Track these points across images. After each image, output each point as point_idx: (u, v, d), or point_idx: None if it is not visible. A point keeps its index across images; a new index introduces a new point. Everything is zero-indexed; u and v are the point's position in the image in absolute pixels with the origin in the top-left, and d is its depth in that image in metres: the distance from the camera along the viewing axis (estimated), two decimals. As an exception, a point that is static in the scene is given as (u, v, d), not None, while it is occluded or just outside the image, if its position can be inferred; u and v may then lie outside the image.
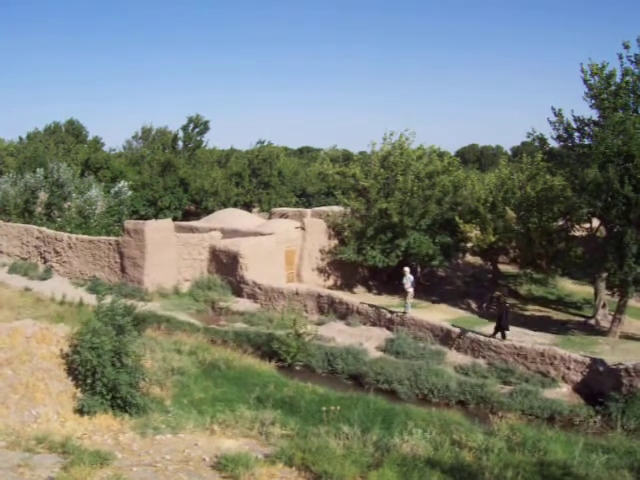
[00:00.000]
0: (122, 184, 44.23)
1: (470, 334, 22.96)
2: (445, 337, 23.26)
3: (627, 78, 25.38)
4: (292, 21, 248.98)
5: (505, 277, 36.69)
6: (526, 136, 29.45)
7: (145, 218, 41.35)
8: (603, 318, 28.81)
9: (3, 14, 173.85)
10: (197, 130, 62.99)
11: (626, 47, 25.40)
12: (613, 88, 25.62)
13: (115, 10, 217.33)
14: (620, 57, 25.50)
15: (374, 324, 25.60)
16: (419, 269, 36.86)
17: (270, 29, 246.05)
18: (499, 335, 22.53)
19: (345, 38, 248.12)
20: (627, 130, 24.29)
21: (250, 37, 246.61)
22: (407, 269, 26.31)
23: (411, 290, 25.51)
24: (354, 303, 26.75)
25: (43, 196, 40.44)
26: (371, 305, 26.43)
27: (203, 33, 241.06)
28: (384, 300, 31.37)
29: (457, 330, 23.55)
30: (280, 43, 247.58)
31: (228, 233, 33.35)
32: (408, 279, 25.58)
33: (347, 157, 68.35)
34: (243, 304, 28.75)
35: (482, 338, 22.26)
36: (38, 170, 41.07)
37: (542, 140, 29.03)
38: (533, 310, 31.77)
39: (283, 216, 39.04)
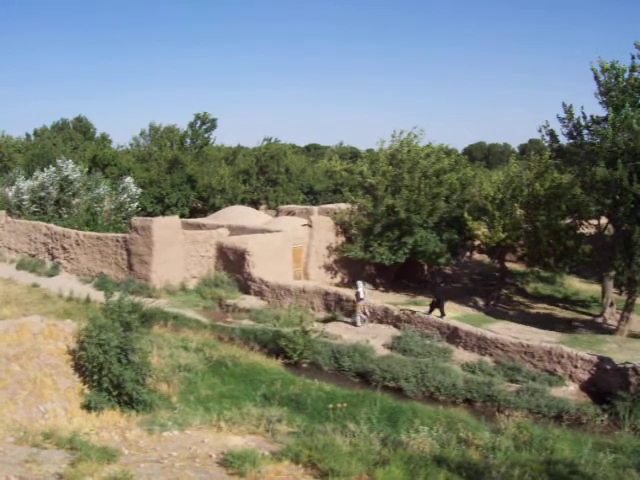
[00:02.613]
0: (127, 179, 44.22)
1: (421, 314, 24.60)
2: (452, 335, 23.24)
3: (635, 74, 25.28)
4: (300, 18, 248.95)
5: (512, 275, 36.61)
6: (537, 130, 29.32)
7: (152, 215, 41.46)
8: (611, 316, 28.73)
9: (10, 11, 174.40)
10: (204, 127, 63.04)
11: (638, 47, 25.30)
12: (622, 85, 25.51)
13: (122, 7, 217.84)
14: (632, 58, 25.44)
15: (381, 322, 25.59)
16: (426, 267, 36.84)
17: (277, 26, 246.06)
18: (433, 311, 24.99)
19: (352, 35, 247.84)
20: (632, 127, 24.17)
21: (257, 34, 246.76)
22: (360, 282, 26.45)
23: (361, 303, 25.48)
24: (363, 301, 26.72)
25: (53, 193, 40.65)
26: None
27: (210, 30, 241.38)
28: (391, 297, 31.37)
29: (403, 313, 25.11)
30: (287, 40, 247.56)
31: (235, 230, 33.38)
32: (360, 293, 25.59)
33: (354, 154, 68.31)
34: (250, 301, 28.76)
35: (487, 334, 22.23)
36: (51, 168, 41.23)
37: (553, 135, 28.91)
38: (540, 308, 31.74)
39: (290, 213, 39.04)
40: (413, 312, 24.89)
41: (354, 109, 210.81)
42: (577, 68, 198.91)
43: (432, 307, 25.22)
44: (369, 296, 27.29)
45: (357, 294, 25.73)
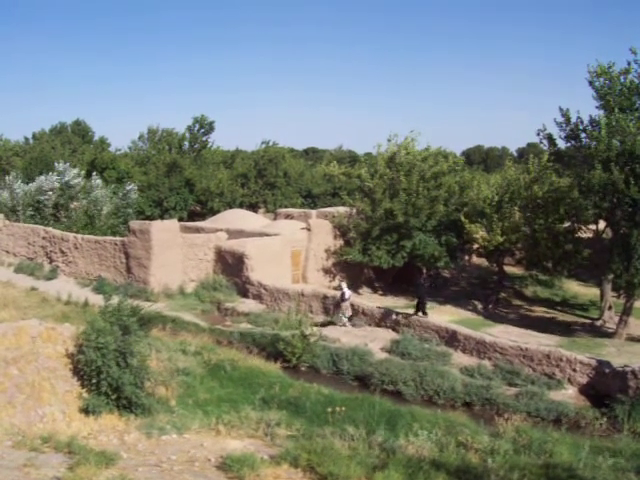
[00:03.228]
0: (131, 186, 44.41)
1: (395, 315, 25.25)
2: (450, 338, 23.23)
3: (630, 77, 25.40)
4: (298, 21, 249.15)
5: (511, 278, 36.62)
6: (536, 133, 29.42)
7: (151, 219, 41.45)
8: (609, 320, 28.74)
9: (10, 15, 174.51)
10: (202, 131, 63.05)
11: (633, 52, 25.40)
12: (618, 88, 25.61)
13: (120, 11, 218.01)
14: (629, 63, 25.54)
15: (379, 325, 25.60)
16: (424, 270, 36.85)
17: (275, 30, 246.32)
18: (420, 313, 25.04)
19: (350, 39, 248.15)
20: (625, 130, 24.21)
21: (255, 38, 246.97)
22: (344, 284, 27.25)
23: (346, 304, 26.01)
24: (359, 304, 26.79)
25: (52, 197, 40.65)
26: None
27: (208, 34, 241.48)
28: (389, 301, 31.36)
29: (382, 310, 25.95)
30: (286, 44, 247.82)
31: (234, 234, 33.37)
32: (345, 293, 26.25)
33: (353, 158, 68.36)
34: (248, 305, 28.74)
35: (486, 338, 22.23)
36: (51, 174, 41.29)
37: (550, 139, 28.97)
38: (539, 312, 31.71)
39: (288, 217, 39.05)
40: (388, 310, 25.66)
41: (353, 113, 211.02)
42: (575, 72, 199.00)
43: (417, 307, 25.45)
44: (367, 299, 27.47)
45: (342, 295, 26.13)
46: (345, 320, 25.69)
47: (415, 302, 25.85)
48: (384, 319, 25.60)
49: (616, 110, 24.80)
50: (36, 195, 40.66)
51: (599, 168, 24.56)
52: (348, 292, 26.35)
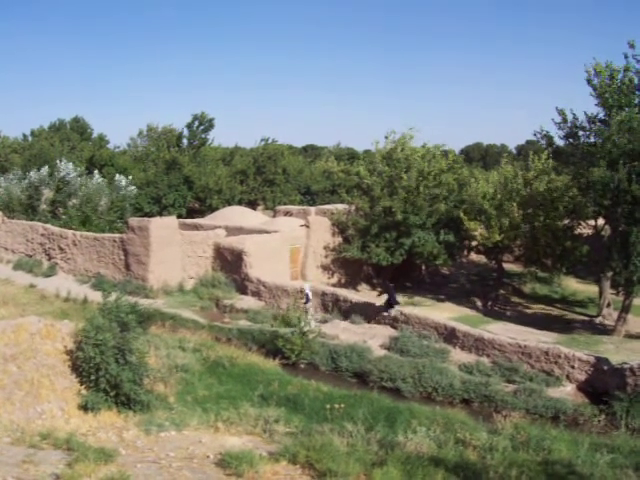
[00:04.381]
0: (118, 177, 44.09)
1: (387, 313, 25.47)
2: (449, 335, 23.23)
3: (630, 74, 25.38)
4: (296, 19, 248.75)
5: (510, 276, 36.64)
6: (533, 134, 29.45)
7: (150, 216, 41.38)
8: (608, 317, 28.78)
9: (8, 13, 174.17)
10: (202, 128, 62.94)
11: (631, 46, 25.37)
12: (617, 86, 25.60)
13: (119, 9, 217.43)
14: (625, 57, 25.52)
15: (378, 322, 25.59)
16: (423, 267, 36.86)
17: (274, 27, 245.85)
18: (392, 309, 25.43)
19: (350, 37, 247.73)
20: (633, 129, 24.21)
21: (254, 36, 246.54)
22: (307, 285, 27.96)
23: (309, 304, 26.60)
24: (358, 301, 26.81)
25: (48, 193, 40.60)
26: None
27: (207, 31, 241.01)
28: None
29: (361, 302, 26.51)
30: (285, 42, 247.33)
31: (232, 231, 33.36)
32: (308, 294, 26.84)
33: (352, 155, 68.33)
34: (247, 302, 28.75)
35: (485, 335, 22.25)
36: (43, 168, 41.27)
37: (549, 138, 28.98)
38: (537, 309, 31.76)
39: (287, 214, 39.05)
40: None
41: (352, 110, 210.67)
42: (574, 70, 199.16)
43: (386, 304, 25.79)
44: (365, 296, 27.48)
45: (306, 296, 26.54)
46: (310, 320, 25.68)
47: (388, 299, 26.08)
48: (364, 311, 25.97)
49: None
50: (28, 192, 40.65)
51: (603, 165, 24.53)
52: (310, 294, 26.87)
